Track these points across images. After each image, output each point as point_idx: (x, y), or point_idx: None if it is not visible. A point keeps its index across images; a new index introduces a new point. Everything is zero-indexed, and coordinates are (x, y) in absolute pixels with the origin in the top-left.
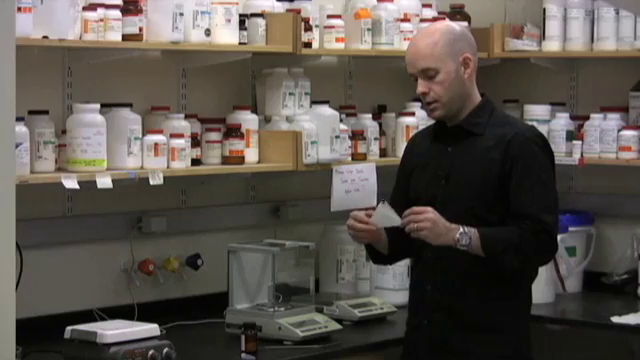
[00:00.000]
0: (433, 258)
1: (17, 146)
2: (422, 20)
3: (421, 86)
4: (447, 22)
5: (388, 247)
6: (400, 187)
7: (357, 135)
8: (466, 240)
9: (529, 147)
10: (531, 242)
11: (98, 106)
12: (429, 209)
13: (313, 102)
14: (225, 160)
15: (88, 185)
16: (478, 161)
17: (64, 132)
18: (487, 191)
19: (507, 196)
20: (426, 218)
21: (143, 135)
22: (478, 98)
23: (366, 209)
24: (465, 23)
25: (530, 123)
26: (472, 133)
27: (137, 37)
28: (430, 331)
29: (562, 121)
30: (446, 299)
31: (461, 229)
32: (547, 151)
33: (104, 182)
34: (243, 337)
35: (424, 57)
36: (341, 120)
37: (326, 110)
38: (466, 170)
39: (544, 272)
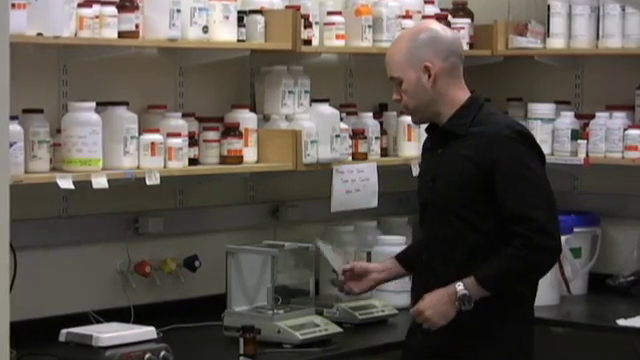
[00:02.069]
0: (427, 262)
1: (11, 145)
2: (424, 17)
3: (395, 93)
4: (420, 26)
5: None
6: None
7: (358, 134)
8: (468, 301)
9: (507, 145)
10: (528, 257)
11: (94, 104)
12: (420, 308)
13: (313, 100)
14: (223, 160)
15: (83, 185)
16: (459, 161)
17: (59, 131)
18: (466, 192)
19: (491, 196)
20: (424, 319)
21: (139, 134)
22: (463, 98)
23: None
24: (468, 20)
25: (534, 122)
26: (456, 134)
27: (133, 34)
28: (425, 335)
29: (567, 120)
30: None
31: (459, 293)
32: (528, 145)
33: (100, 182)
34: (242, 340)
35: (389, 66)
36: (341, 119)
37: (326, 109)
38: (448, 172)
39: (548, 274)
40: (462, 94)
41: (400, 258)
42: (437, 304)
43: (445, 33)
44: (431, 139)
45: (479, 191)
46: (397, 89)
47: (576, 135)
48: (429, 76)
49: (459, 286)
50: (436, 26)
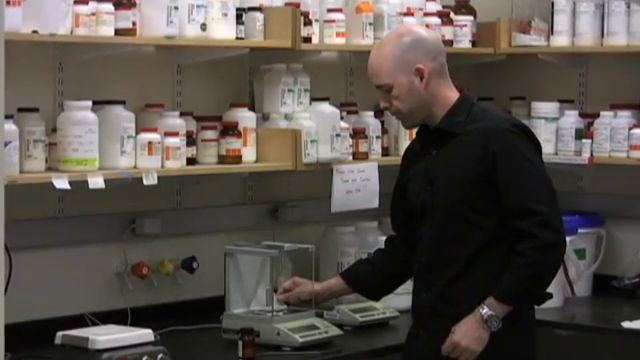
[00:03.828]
0: (425, 264)
1: (6, 145)
2: (426, 14)
3: (382, 100)
4: (400, 30)
5: (365, 295)
6: (396, 201)
7: (358, 133)
8: (496, 320)
9: (507, 139)
10: (538, 259)
11: (90, 103)
12: (454, 341)
13: (313, 99)
14: (221, 159)
15: (79, 185)
16: (459, 160)
17: (55, 130)
18: (471, 190)
19: (494, 193)
20: (462, 350)
21: (136, 133)
22: (454, 97)
23: None
24: (470, 17)
25: (538, 121)
26: (452, 133)
27: (130, 32)
28: (427, 339)
29: (571, 119)
30: (440, 305)
31: (485, 315)
32: (527, 138)
33: (96, 182)
34: (240, 343)
35: (376, 74)
36: (342, 118)
37: (326, 107)
38: (448, 171)
39: None
40: (452, 93)
41: (345, 275)
42: (469, 332)
43: (428, 34)
44: (421, 141)
45: (484, 188)
46: (385, 96)
47: (580, 134)
48: (421, 78)
49: (483, 309)
50: (416, 28)
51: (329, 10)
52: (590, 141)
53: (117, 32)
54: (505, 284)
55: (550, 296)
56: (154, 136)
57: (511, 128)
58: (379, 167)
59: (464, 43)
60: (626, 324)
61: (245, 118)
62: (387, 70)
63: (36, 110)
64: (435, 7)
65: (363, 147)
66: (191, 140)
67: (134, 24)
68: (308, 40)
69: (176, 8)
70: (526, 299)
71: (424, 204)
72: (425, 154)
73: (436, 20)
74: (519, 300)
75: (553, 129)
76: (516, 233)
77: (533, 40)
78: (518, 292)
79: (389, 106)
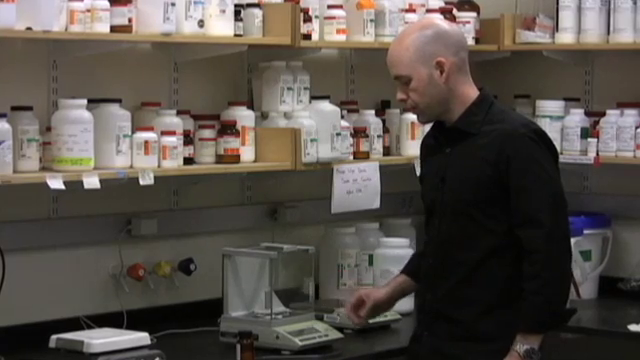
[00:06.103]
0: (433, 266)
1: None
2: (428, 10)
3: (399, 93)
4: (423, 22)
5: None
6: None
7: (359, 132)
8: (534, 352)
9: (523, 144)
10: (549, 280)
11: (85, 102)
12: None
13: (313, 97)
14: (219, 159)
15: (74, 185)
16: (472, 161)
17: (49, 129)
18: (481, 192)
19: (505, 198)
20: None
21: (132, 132)
22: (473, 95)
23: None
24: (474, 14)
25: (543, 120)
26: (468, 133)
27: (126, 28)
28: (431, 342)
29: (576, 117)
30: (445, 308)
31: (522, 351)
32: (544, 145)
33: (91, 182)
34: (239, 346)
35: (395, 64)
36: (342, 116)
37: (326, 106)
38: (461, 171)
39: None
40: (472, 91)
41: (409, 272)
42: None
43: (451, 28)
44: (436, 137)
45: (495, 192)
46: (403, 89)
47: (586, 133)
48: (441, 72)
49: (516, 345)
50: (439, 21)
51: (329, 6)
52: (596, 140)
53: (113, 29)
54: (527, 315)
55: (574, 311)
56: (150, 135)
57: (528, 133)
58: (380, 167)
59: (467, 40)
60: (633, 327)
61: (243, 117)
62: (407, 61)
63: (30, 109)
64: (438, 3)
65: (364, 146)
66: (188, 139)
67: (130, 21)
68: (308, 37)
69: (173, 4)
70: (551, 321)
71: (434, 202)
72: (439, 152)
73: (438, 17)
74: (545, 325)
75: (558, 128)
76: (520, 240)
77: (538, 37)
78: (540, 318)
79: (406, 98)
